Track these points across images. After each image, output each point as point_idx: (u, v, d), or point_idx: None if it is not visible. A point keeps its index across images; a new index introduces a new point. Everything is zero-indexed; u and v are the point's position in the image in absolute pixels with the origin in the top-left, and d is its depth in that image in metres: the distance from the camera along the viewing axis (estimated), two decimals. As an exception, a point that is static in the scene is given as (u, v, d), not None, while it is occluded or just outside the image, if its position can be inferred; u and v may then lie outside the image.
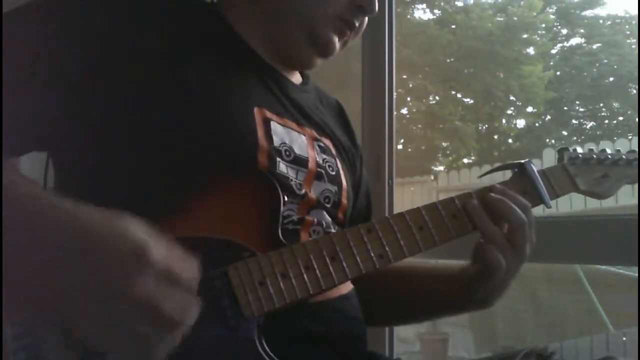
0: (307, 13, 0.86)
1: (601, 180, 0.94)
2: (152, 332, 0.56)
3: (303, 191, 0.82)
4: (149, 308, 0.55)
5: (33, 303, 0.58)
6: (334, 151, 0.93)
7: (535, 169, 0.88)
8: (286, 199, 0.78)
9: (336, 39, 0.89)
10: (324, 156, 0.89)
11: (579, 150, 0.95)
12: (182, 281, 0.58)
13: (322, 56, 0.90)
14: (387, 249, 0.76)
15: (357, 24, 0.90)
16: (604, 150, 0.96)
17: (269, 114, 0.83)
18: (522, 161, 0.89)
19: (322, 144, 0.90)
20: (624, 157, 0.96)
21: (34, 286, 0.56)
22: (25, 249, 0.56)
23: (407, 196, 6.06)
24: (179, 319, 0.57)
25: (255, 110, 0.81)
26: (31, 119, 0.73)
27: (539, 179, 0.87)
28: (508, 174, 0.91)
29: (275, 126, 0.82)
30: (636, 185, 0.98)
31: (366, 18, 0.91)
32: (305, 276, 0.71)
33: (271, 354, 0.68)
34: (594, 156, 0.95)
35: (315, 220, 0.83)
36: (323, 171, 0.87)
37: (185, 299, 0.58)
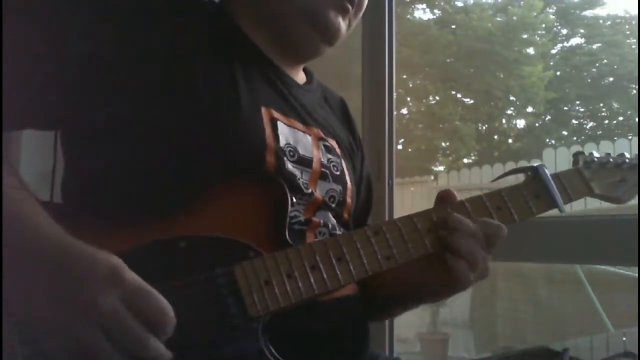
0: None
1: (618, 185, 0.93)
2: (107, 348, 0.56)
3: (309, 190, 0.82)
4: (112, 323, 0.56)
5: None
6: (338, 151, 0.93)
7: (548, 173, 0.87)
8: (294, 200, 0.78)
9: (339, 19, 0.88)
10: (329, 156, 0.89)
11: (595, 154, 0.93)
12: (149, 308, 0.58)
13: (328, 41, 0.90)
14: (394, 250, 0.75)
15: None
16: (622, 154, 0.95)
17: (275, 114, 0.83)
18: (535, 164, 0.88)
19: (327, 144, 0.90)
20: None
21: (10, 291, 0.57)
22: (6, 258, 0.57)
23: (407, 196, 6.04)
24: (136, 345, 0.57)
25: (263, 109, 0.81)
26: (37, 96, 0.73)
27: (552, 183, 0.85)
28: (521, 177, 0.90)
29: (281, 126, 0.83)
30: None
31: None
32: (311, 276, 0.71)
33: (275, 353, 0.68)
34: (611, 160, 0.93)
35: (322, 221, 0.83)
36: (327, 171, 0.87)
37: (155, 321, 0.59)
